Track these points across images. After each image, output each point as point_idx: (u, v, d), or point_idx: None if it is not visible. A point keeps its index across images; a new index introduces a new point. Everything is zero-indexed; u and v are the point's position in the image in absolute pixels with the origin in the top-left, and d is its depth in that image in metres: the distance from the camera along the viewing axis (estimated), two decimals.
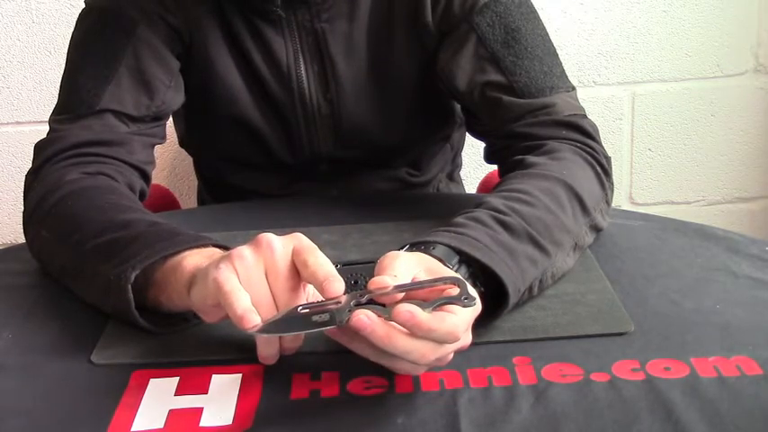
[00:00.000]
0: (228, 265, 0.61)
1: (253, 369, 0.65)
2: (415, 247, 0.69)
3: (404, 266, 0.63)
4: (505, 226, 0.72)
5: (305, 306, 0.60)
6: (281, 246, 0.62)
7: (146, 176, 0.95)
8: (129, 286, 0.68)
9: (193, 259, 0.68)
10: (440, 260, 0.66)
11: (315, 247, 0.63)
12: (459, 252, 0.68)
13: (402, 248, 0.69)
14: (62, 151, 0.89)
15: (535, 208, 0.76)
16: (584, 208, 0.80)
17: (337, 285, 0.60)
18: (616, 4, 1.76)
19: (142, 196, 0.94)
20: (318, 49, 0.99)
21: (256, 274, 0.61)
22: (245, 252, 0.62)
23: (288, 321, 0.60)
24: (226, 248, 0.70)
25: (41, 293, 0.81)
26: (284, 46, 0.99)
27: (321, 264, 0.61)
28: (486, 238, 0.70)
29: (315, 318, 0.59)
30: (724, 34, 1.79)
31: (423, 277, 0.62)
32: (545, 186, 0.79)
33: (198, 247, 0.70)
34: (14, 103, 1.75)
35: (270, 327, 0.60)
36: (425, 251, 0.67)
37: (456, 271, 0.66)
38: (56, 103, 0.96)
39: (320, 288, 0.60)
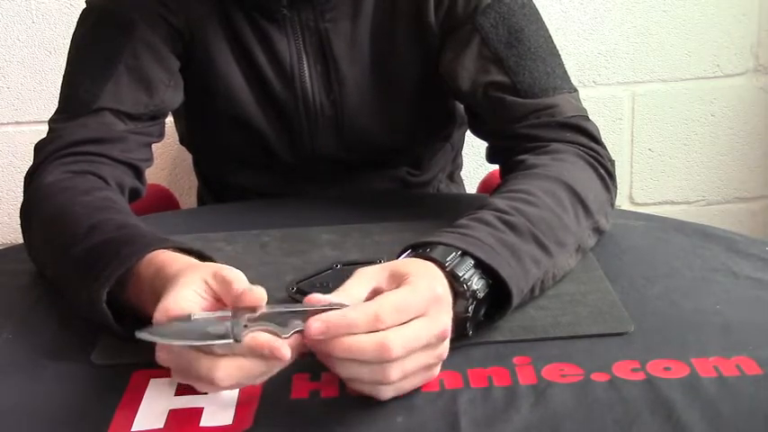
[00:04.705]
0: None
1: None
2: (419, 248, 0.68)
3: (355, 286, 0.62)
4: (510, 226, 0.72)
5: (199, 315, 0.59)
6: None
7: (140, 174, 0.94)
8: (104, 306, 0.67)
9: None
10: (436, 261, 0.65)
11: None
12: (464, 252, 0.67)
13: (404, 251, 0.69)
14: (58, 150, 0.89)
15: (539, 208, 0.75)
16: (586, 210, 0.80)
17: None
18: (616, 4, 1.76)
19: (135, 194, 0.94)
20: (322, 50, 0.99)
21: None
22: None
23: (182, 330, 0.58)
24: (188, 251, 0.69)
25: (41, 293, 0.81)
26: (288, 46, 0.99)
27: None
28: (491, 239, 0.69)
29: (210, 329, 0.57)
30: (724, 34, 1.78)
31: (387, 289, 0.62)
32: (547, 187, 0.79)
33: (161, 248, 0.69)
34: (14, 103, 1.75)
35: (160, 332, 0.58)
36: (423, 254, 0.67)
37: (454, 268, 0.65)
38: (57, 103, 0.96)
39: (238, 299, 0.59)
